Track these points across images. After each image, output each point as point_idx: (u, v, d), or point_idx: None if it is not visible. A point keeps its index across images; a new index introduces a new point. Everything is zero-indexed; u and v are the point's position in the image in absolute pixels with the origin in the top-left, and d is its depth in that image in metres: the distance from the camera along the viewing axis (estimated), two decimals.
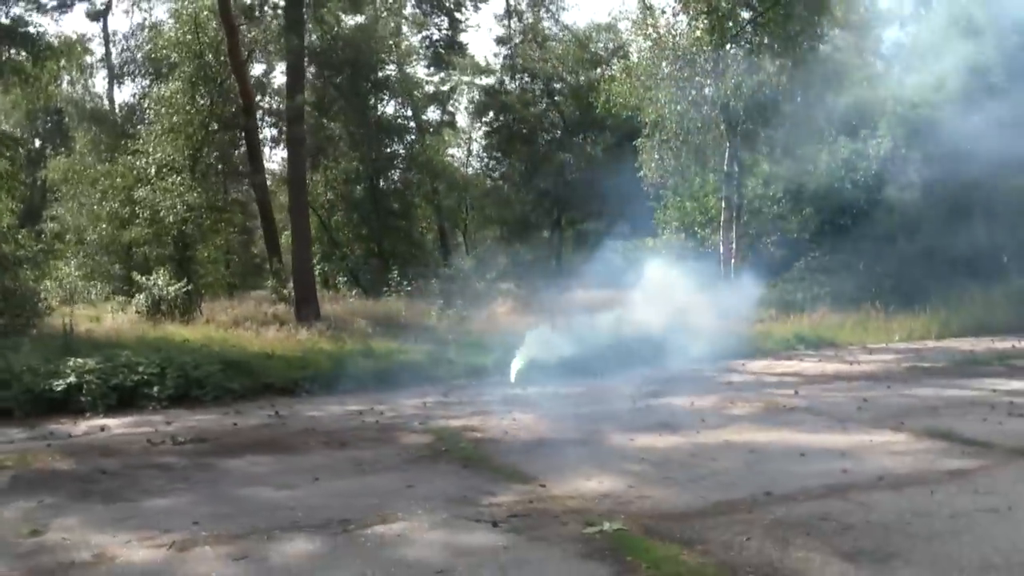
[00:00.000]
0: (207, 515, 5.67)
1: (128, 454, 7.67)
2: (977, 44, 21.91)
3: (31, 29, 16.82)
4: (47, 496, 6.23)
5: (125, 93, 32.65)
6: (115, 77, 32.45)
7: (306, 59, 21.17)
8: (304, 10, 18.81)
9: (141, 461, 7.38)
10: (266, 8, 19.92)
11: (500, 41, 34.18)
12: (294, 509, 5.82)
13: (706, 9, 19.78)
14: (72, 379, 10.18)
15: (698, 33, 20.39)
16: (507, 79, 34.22)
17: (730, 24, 20.22)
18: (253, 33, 21.69)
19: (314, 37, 22.43)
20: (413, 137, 29.90)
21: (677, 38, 20.97)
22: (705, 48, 19.97)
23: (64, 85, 31.81)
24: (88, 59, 32.17)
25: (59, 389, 10.03)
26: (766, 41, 20.04)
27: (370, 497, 6.13)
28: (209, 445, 8.03)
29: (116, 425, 9.18)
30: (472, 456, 7.43)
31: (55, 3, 30.66)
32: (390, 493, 6.22)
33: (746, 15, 20.58)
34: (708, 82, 20.14)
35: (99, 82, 34.35)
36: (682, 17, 20.97)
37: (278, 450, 7.81)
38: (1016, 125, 20.65)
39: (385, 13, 28.47)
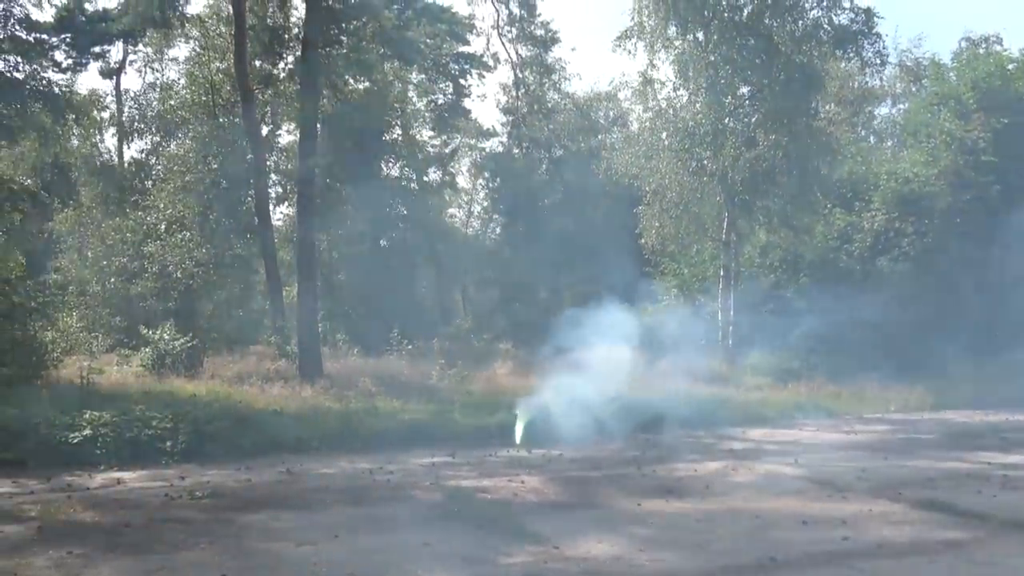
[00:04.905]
0: (235, 569, 5.88)
1: (149, 508, 7.86)
2: (967, 122, 22.69)
3: (55, 89, 17.37)
4: (76, 547, 6.43)
5: (133, 149, 32.91)
6: (125, 133, 33.08)
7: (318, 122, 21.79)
8: (319, 77, 19.41)
9: (163, 515, 7.58)
10: (282, 75, 20.56)
11: (506, 111, 35.06)
12: (318, 564, 6.04)
13: (705, 84, 20.54)
14: (88, 431, 10.37)
15: (698, 106, 21.12)
16: (513, 147, 35.02)
17: (728, 99, 20.98)
18: (266, 96, 22.33)
19: (325, 101, 23.08)
20: (415, 198, 30.49)
21: (678, 110, 21.70)
22: (704, 121, 20.66)
23: (74, 140, 32.45)
24: (100, 115, 32.86)
25: (75, 441, 10.21)
26: (762, 116, 20.79)
27: (390, 554, 6.34)
28: (227, 501, 8.22)
29: (131, 479, 9.35)
30: (485, 517, 7.64)
31: (71, 62, 31.81)
32: (409, 550, 6.43)
33: (744, 90, 21.37)
34: (707, 154, 20.78)
35: (107, 137, 34.89)
36: (683, 91, 21.73)
37: (295, 507, 8.01)
38: (1006, 201, 21.33)
39: (393, 78, 29.28)
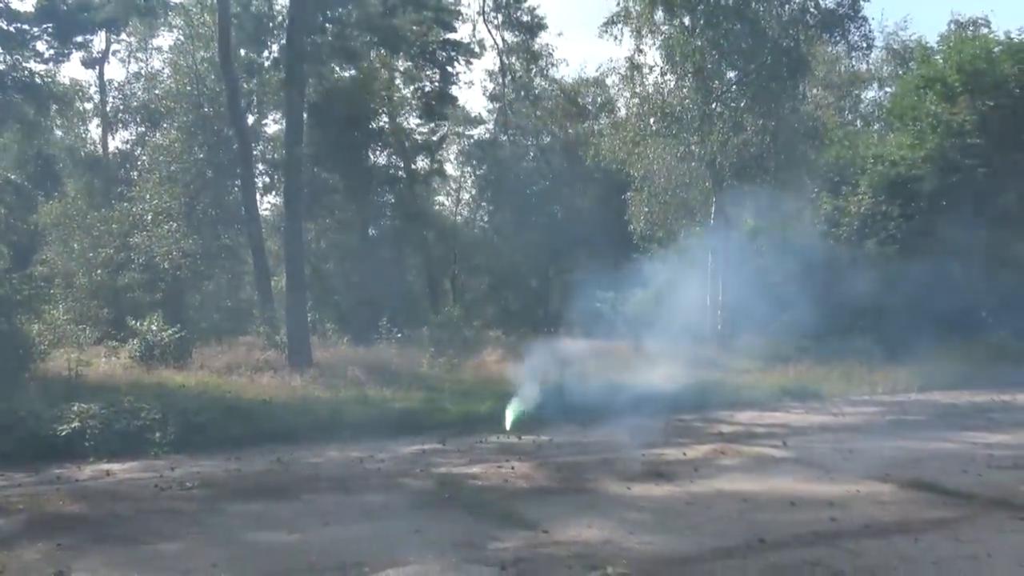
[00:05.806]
0: (224, 558, 5.89)
1: (138, 499, 7.85)
2: (953, 105, 22.75)
3: (38, 80, 17.20)
4: (65, 539, 6.42)
5: (118, 140, 32.64)
6: (109, 124, 32.81)
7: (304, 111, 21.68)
8: (304, 65, 19.28)
9: (152, 506, 7.57)
10: (267, 63, 20.45)
11: (493, 98, 34.97)
12: (308, 553, 6.05)
13: (692, 69, 20.52)
14: (76, 424, 10.33)
15: (685, 91, 21.11)
16: (500, 134, 34.95)
17: (715, 84, 20.96)
18: (251, 85, 22.19)
19: (311, 89, 22.96)
20: (403, 186, 30.42)
21: (665, 95, 21.67)
22: (692, 107, 20.65)
23: (57, 131, 32.14)
24: (83, 106, 32.58)
25: (63, 433, 10.16)
26: (749, 100, 20.78)
27: (380, 541, 6.36)
28: (217, 490, 8.22)
29: (120, 470, 9.32)
30: (475, 503, 7.66)
31: (53, 53, 31.42)
32: (399, 537, 6.45)
33: (731, 75, 21.35)
34: (695, 139, 20.77)
35: (92, 128, 34.63)
36: (670, 77, 21.71)
37: (285, 495, 8.01)
38: (992, 183, 21.43)
39: (379, 66, 29.15)
